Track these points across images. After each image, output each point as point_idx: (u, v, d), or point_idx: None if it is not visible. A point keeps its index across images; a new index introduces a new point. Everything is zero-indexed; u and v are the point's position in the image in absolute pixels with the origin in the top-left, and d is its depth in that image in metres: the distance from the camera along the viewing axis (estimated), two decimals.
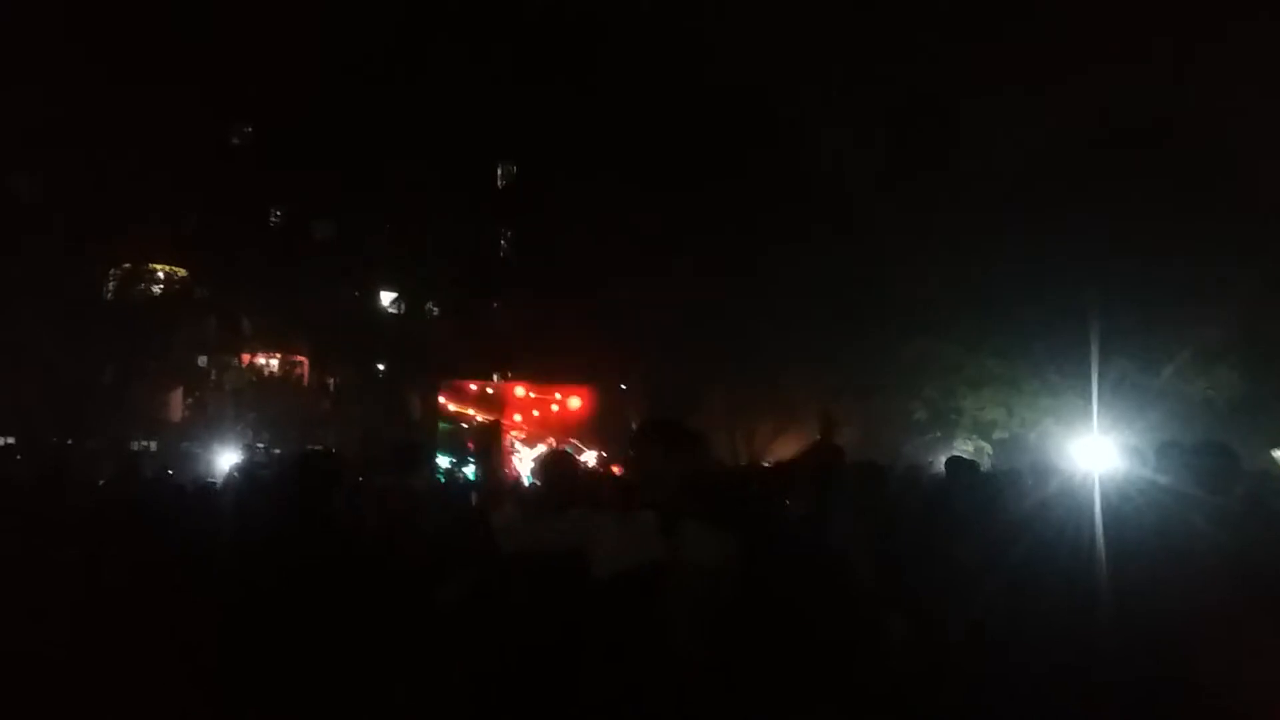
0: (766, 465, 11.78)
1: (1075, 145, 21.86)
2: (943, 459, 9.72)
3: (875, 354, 22.04)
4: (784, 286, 22.16)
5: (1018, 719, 3.36)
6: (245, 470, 11.78)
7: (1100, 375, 21.44)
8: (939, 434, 22.64)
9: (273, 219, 24.88)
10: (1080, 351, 21.34)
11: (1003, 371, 22.21)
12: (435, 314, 26.45)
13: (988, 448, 21.86)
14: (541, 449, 16.06)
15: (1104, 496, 3.98)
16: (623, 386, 23.57)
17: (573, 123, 23.06)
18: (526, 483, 10.69)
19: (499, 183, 26.99)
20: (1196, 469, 3.66)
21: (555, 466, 4.17)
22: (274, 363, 25.31)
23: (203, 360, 24.63)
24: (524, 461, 16.17)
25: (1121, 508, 3.75)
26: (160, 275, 23.86)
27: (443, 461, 16.20)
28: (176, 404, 24.18)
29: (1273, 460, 17.11)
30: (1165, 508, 3.53)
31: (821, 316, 21.84)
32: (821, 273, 21.98)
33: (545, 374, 21.86)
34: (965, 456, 12.92)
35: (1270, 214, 19.95)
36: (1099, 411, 21.12)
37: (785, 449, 16.66)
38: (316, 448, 4.00)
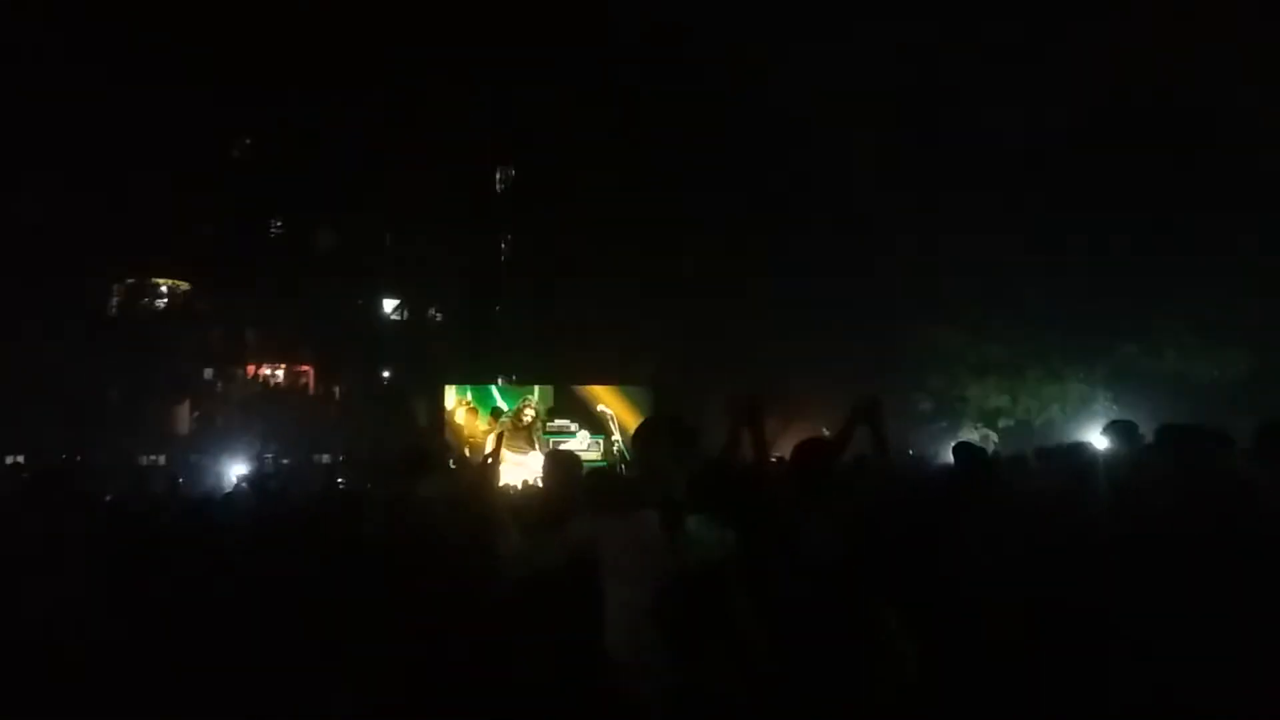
0: (775, 459, 11.81)
1: (1078, 129, 21.83)
2: (949, 449, 9.72)
3: (881, 344, 22.05)
4: (789, 280, 22.19)
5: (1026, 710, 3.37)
6: (253, 482, 11.85)
7: (1104, 360, 21.48)
8: (945, 424, 22.65)
9: (274, 230, 24.93)
10: (1084, 337, 21.39)
11: (1007, 359, 22.22)
12: (438, 320, 26.48)
13: (994, 435, 21.87)
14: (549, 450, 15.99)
15: (1107, 480, 4.01)
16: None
17: (573, 124, 23.10)
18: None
19: (499, 186, 27.01)
20: (1191, 452, 3.69)
21: (558, 472, 4.14)
22: (279, 373, 25.39)
23: (208, 373, 24.71)
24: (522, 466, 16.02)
25: (1123, 490, 3.78)
26: (164, 289, 23.96)
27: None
28: (183, 417, 24.25)
29: None
30: (1162, 490, 3.56)
31: (827, 308, 21.86)
32: (826, 264, 22.01)
33: (553, 375, 21.90)
34: (973, 442, 12.87)
35: (1270, 195, 19.88)
36: (1104, 397, 21.14)
37: (792, 443, 16.65)
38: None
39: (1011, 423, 22.27)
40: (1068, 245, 20.51)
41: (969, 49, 22.06)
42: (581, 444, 20.08)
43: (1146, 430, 5.14)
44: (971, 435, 21.03)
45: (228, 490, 12.22)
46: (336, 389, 25.76)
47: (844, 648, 3.39)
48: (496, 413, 20.62)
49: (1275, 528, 3.66)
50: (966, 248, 20.95)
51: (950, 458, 6.95)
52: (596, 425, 20.79)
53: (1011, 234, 20.73)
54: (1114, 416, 15.59)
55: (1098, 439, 5.74)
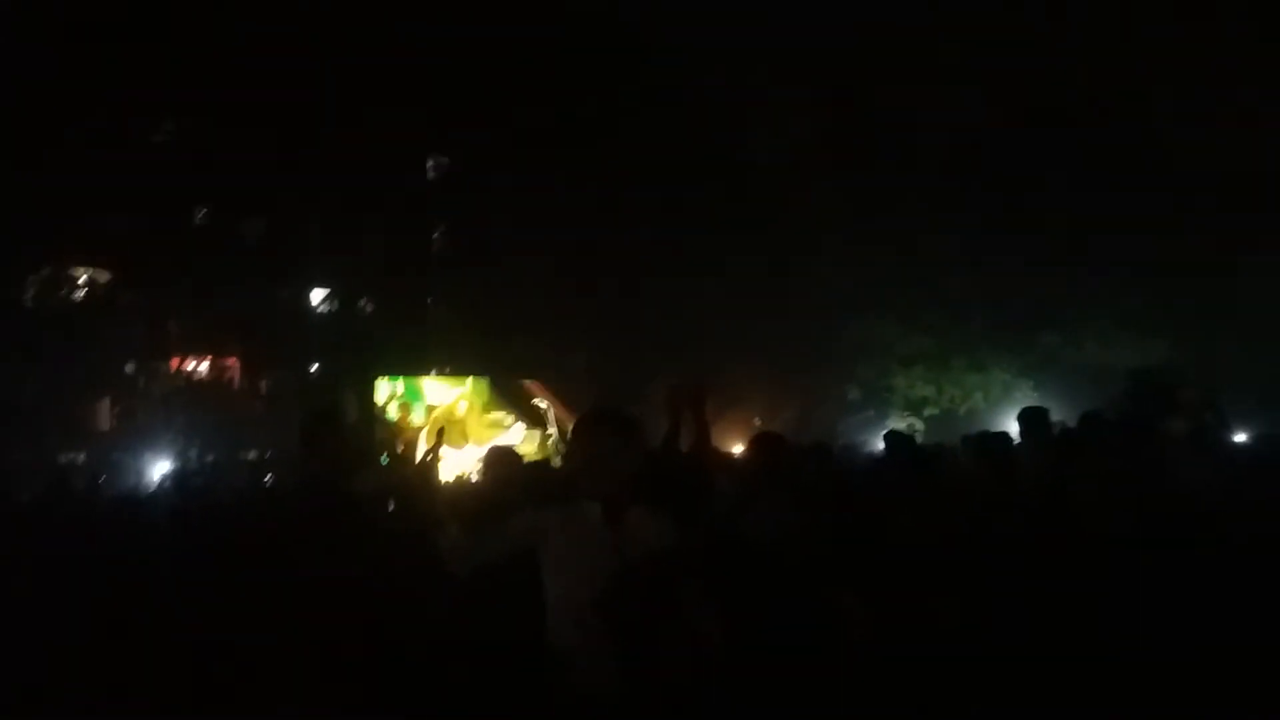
0: (716, 451, 11.90)
1: (1001, 125, 22.41)
2: (877, 437, 9.94)
3: (813, 335, 22.42)
4: (724, 271, 22.37)
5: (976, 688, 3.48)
6: (178, 480, 11.57)
7: (1026, 350, 22.15)
8: (873, 412, 23.12)
9: (199, 218, 24.24)
10: (1008, 328, 22.03)
11: (933, 349, 22.77)
12: (369, 311, 26.06)
13: (919, 424, 22.40)
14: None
15: (1027, 467, 4.15)
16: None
17: (505, 112, 22.91)
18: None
19: (430, 174, 26.65)
20: (1110, 441, 3.85)
21: (497, 467, 4.09)
22: (204, 367, 24.73)
23: (130, 367, 23.95)
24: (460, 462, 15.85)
25: (1044, 477, 3.92)
26: (83, 280, 23.12)
27: None
28: (104, 413, 23.49)
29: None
30: (1085, 476, 3.71)
31: (761, 300, 22.12)
32: (759, 256, 22.24)
33: (487, 367, 21.70)
34: (902, 431, 13.18)
35: (1185, 188, 20.67)
36: (1025, 385, 21.78)
37: (728, 434, 16.81)
38: None
39: (937, 411, 22.85)
40: (993, 238, 21.08)
41: (900, 43, 22.45)
42: (517, 437, 19.96)
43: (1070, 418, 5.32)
44: (899, 424, 21.51)
45: (150, 489, 11.92)
46: (263, 383, 25.18)
47: (801, 628, 3.47)
48: (430, 407, 20.37)
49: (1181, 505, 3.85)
50: (895, 241, 21.40)
51: (879, 446, 7.11)
52: (533, 418, 20.68)
53: (939, 228, 21.24)
54: (1035, 405, 16.03)
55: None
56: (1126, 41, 21.15)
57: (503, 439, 18.37)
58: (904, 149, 22.61)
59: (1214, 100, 20.54)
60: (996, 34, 22.21)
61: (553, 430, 20.15)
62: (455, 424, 19.90)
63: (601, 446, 3.17)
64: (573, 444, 3.69)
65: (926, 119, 22.68)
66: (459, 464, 14.63)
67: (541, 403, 20.85)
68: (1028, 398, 20.14)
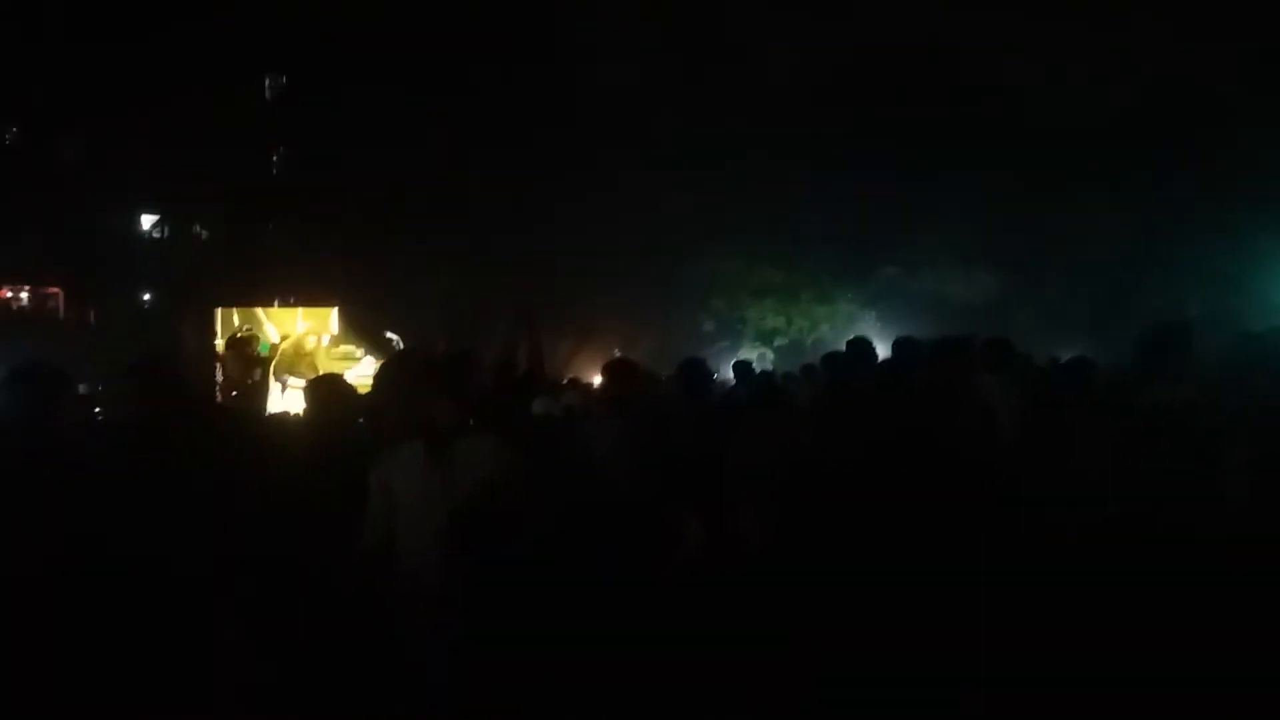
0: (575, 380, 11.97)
1: (849, 63, 22.96)
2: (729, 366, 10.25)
3: (667, 269, 22.73)
4: (579, 205, 22.25)
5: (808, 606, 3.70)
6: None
7: (868, 281, 23.17)
8: (727, 343, 23.76)
9: (8, 137, 22.25)
10: (851, 261, 22.95)
11: (782, 281, 23.52)
12: (204, 238, 24.69)
13: (770, 354, 23.21)
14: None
15: (863, 389, 4.41)
16: None
17: (346, 31, 21.81)
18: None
19: (266, 94, 25.22)
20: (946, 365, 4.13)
21: (318, 399, 3.88)
22: (24, 296, 22.99)
23: None
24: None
25: (878, 397, 4.18)
26: None
27: None
28: None
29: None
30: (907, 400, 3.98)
31: (616, 233, 22.17)
32: (614, 190, 22.22)
33: (335, 297, 20.96)
34: (748, 360, 13.66)
35: (1019, 133, 21.78)
36: (868, 315, 22.81)
37: (591, 365, 16.93)
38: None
39: (786, 341, 23.70)
40: (836, 174, 21.81)
41: None
42: (368, 369, 19.46)
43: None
44: (750, 354, 22.18)
45: None
46: (91, 313, 23.62)
47: (642, 546, 3.61)
48: (278, 340, 19.53)
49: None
50: (745, 176, 21.83)
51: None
52: (385, 349, 20.18)
53: (787, 163, 21.79)
54: (878, 333, 16.81)
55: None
56: None
57: (354, 372, 17.87)
58: (753, 87, 22.94)
59: (1036, 48, 21.54)
60: None
61: None
62: (304, 357, 19.20)
63: (403, 389, 3.21)
64: (374, 388, 3.70)
65: (772, 57, 23.03)
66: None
67: (392, 335, 20.37)
68: (870, 327, 21.08)
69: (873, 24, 22.62)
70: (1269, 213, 18.44)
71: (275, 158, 25.14)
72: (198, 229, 24.62)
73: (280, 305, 21.21)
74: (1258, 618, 2.99)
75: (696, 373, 4.88)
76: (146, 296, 23.91)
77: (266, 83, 25.01)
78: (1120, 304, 18.86)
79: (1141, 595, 3.21)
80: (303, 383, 17.13)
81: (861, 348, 5.33)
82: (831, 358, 5.61)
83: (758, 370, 9.82)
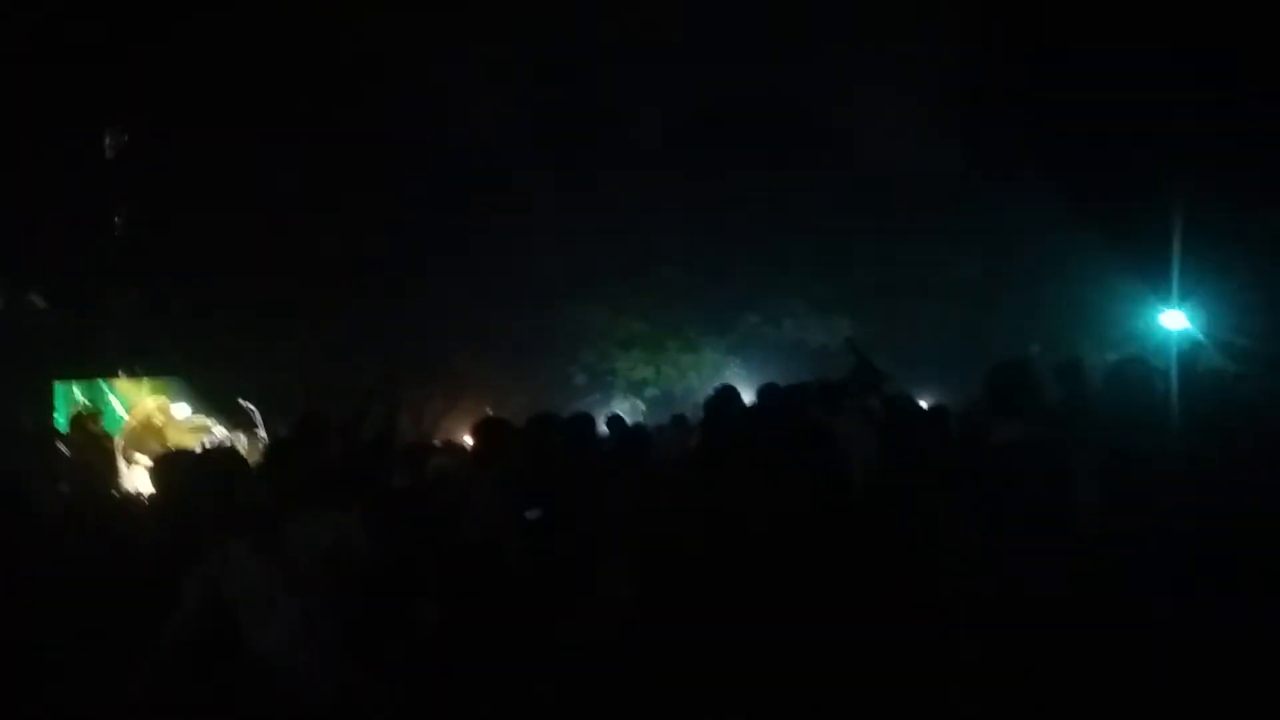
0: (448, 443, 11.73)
1: (706, 114, 23.73)
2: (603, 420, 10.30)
3: (537, 322, 22.80)
4: (441, 262, 22.08)
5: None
6: None
7: (731, 329, 23.87)
8: (598, 396, 23.85)
9: None
10: (714, 310, 23.60)
11: (647, 332, 23.91)
12: (38, 306, 23.14)
13: (642, 405, 23.44)
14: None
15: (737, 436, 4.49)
16: None
17: (194, 85, 21.08)
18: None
19: (107, 151, 24.01)
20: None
21: (166, 479, 3.69)
22: None
23: None
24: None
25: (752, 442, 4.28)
26: None
27: None
28: None
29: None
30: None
31: (484, 288, 22.12)
32: (478, 243, 22.18)
33: (186, 367, 19.95)
34: (620, 415, 13.78)
35: (873, 180, 22.86)
36: (734, 363, 23.40)
37: (462, 425, 16.61)
38: None
39: (657, 392, 24.00)
40: (695, 225, 22.51)
41: (616, 25, 22.82)
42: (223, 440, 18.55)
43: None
44: (623, 406, 22.33)
45: None
46: None
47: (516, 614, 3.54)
48: (126, 414, 18.34)
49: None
50: (604, 228, 22.27)
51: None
52: (241, 421, 19.25)
53: (647, 214, 22.38)
54: (743, 380, 17.18)
55: None
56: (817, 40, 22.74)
57: (209, 444, 16.97)
58: (614, 140, 23.41)
59: (884, 93, 22.63)
60: (707, 23, 23.21)
61: (263, 432, 18.90)
62: (152, 432, 18.10)
63: (183, 490, 3.07)
64: (156, 488, 3.55)
65: (632, 108, 23.57)
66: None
67: (247, 404, 19.47)
68: (736, 375, 21.52)
69: (725, 73, 23.33)
70: (1106, 252, 19.44)
71: (116, 218, 23.91)
72: (30, 296, 23.07)
73: (125, 376, 20.04)
74: (1112, 647, 3.15)
75: (574, 428, 4.90)
76: None
77: (106, 140, 23.87)
78: (969, 344, 19.85)
79: (1007, 636, 3.33)
80: (150, 461, 16.17)
81: (727, 394, 5.66)
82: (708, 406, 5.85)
83: (630, 423, 9.92)
